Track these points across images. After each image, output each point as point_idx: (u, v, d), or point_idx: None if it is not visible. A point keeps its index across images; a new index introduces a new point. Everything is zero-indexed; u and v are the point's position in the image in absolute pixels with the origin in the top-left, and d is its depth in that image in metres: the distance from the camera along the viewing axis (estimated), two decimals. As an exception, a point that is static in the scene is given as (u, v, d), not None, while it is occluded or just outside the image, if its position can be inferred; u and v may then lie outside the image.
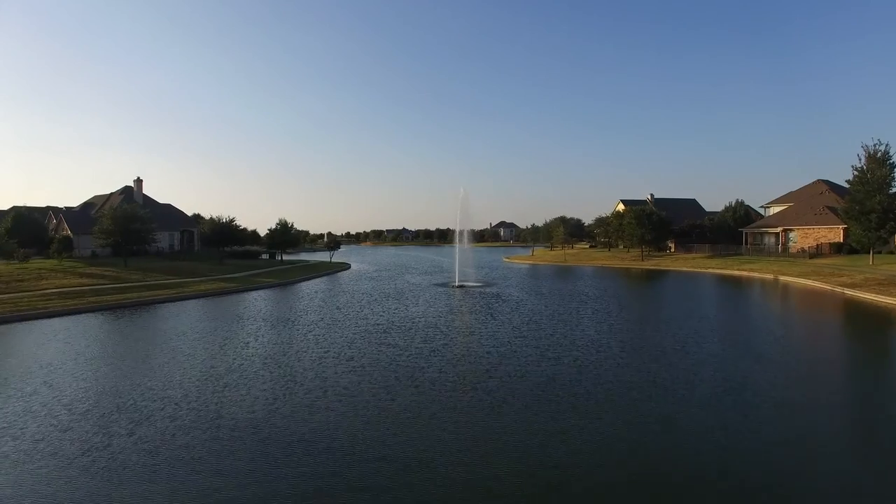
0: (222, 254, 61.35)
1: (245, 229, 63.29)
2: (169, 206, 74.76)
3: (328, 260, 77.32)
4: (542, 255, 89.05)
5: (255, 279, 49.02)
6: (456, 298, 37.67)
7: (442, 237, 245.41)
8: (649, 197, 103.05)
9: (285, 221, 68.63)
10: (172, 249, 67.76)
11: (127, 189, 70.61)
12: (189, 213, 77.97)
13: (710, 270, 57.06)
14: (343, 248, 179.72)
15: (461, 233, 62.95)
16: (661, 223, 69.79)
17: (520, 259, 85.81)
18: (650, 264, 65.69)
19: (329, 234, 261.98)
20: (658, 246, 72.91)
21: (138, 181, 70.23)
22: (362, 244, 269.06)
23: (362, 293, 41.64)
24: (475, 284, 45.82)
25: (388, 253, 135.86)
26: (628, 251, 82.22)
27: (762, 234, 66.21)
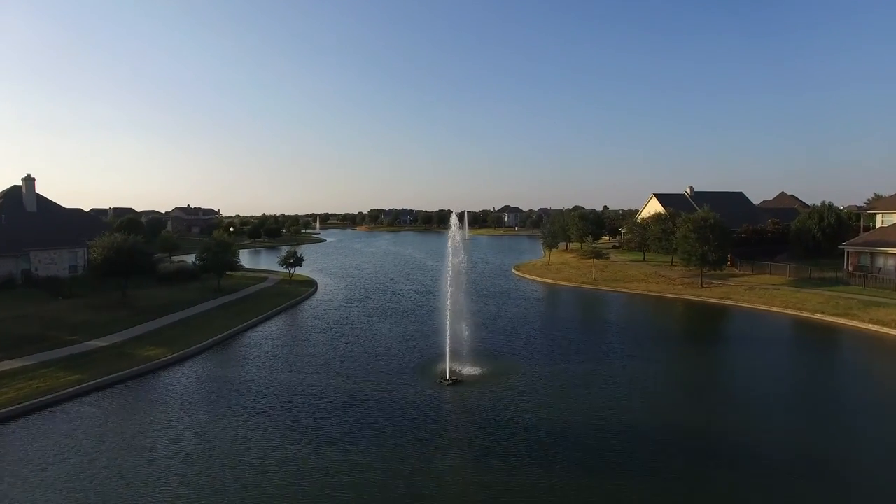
0: (125, 285, 42.63)
1: (150, 254, 44.13)
2: (77, 211, 56.00)
3: (291, 274, 58.67)
4: (561, 265, 70.22)
5: (136, 350, 30.41)
6: (447, 448, 19.05)
7: (442, 221, 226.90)
8: (688, 190, 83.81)
9: (224, 237, 49.88)
10: (74, 272, 49.11)
11: (14, 189, 51.58)
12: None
13: (819, 317, 38.24)
14: (331, 240, 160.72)
15: (459, 236, 43.05)
16: (724, 236, 50.72)
17: (533, 272, 67.02)
18: (715, 295, 46.91)
19: (311, 218, 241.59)
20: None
21: (29, 179, 51.12)
22: (358, 228, 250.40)
23: (288, 400, 23.24)
24: (476, 373, 27.16)
25: (379, 249, 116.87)
26: (671, 263, 63.37)
27: (873, 253, 47.06)
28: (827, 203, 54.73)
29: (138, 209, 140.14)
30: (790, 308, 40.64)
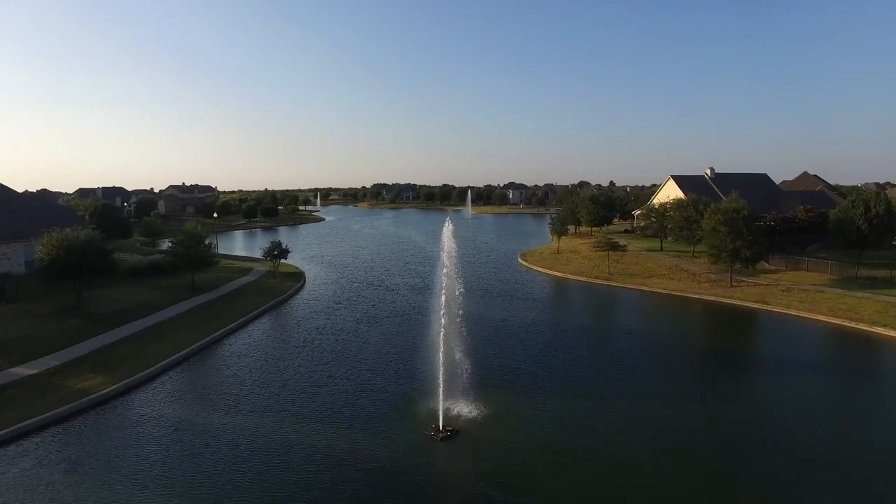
0: (80, 288, 37.25)
1: (109, 251, 38.50)
2: (40, 194, 50.27)
3: (276, 265, 53.19)
4: (571, 253, 64.55)
5: (69, 380, 25.11)
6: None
7: (445, 197, 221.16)
8: (707, 172, 77.33)
9: (196, 227, 44.21)
10: (32, 268, 43.65)
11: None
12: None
13: (880, 331, 32.45)
14: (331, 218, 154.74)
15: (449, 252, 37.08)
16: (758, 229, 44.80)
17: (541, 263, 61.35)
18: (748, 297, 41.23)
19: (311, 194, 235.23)
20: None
21: (-20, 164, 45.26)
22: (359, 205, 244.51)
23: (235, 462, 17.99)
24: (477, 415, 21.82)
25: (378, 231, 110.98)
26: (692, 254, 57.63)
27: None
28: (873, 187, 48.31)
29: (130, 188, 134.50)
30: (841, 317, 34.91)
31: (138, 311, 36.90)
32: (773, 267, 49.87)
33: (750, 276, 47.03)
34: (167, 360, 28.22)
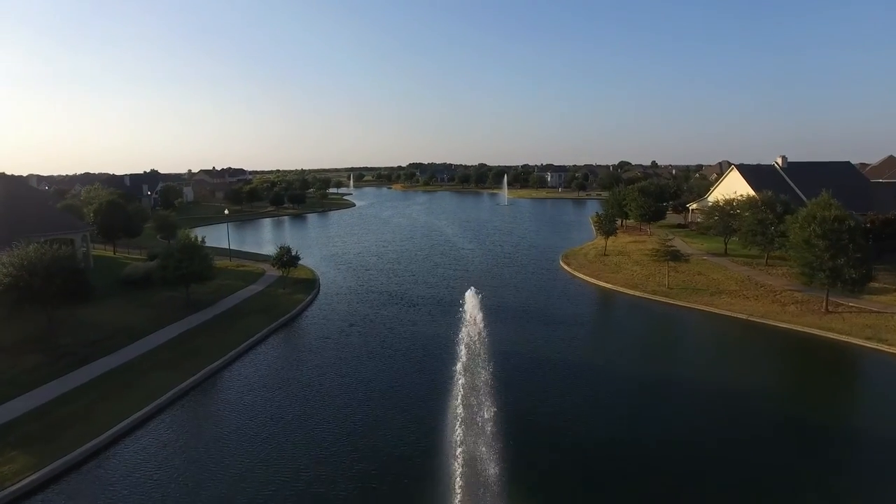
0: (52, 310, 31.79)
1: (81, 270, 32.61)
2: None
3: (286, 272, 47.05)
4: (619, 256, 56.19)
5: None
6: None
7: (481, 180, 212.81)
8: (778, 161, 66.49)
9: (190, 237, 38.17)
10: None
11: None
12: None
13: None
14: (362, 203, 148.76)
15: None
16: (865, 243, 35.52)
17: (586, 269, 53.17)
18: (854, 331, 32.44)
19: (345, 176, 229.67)
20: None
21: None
22: (393, 187, 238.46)
23: None
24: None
25: (408, 220, 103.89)
26: (766, 261, 48.42)
27: None
28: None
29: (167, 171, 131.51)
30: None
31: (116, 340, 31.32)
32: (877, 284, 40.26)
33: (848, 295, 37.82)
34: (121, 425, 22.22)
